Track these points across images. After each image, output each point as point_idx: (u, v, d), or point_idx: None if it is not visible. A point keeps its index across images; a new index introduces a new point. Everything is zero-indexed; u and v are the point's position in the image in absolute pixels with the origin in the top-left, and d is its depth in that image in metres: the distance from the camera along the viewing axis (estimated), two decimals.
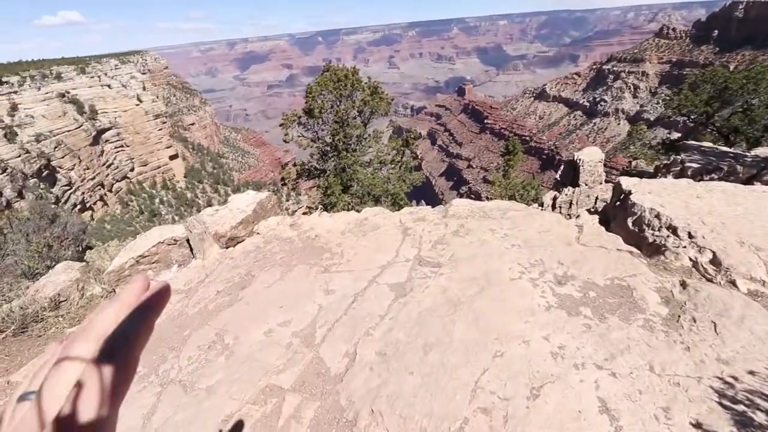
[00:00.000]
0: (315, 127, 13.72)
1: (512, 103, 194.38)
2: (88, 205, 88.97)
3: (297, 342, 3.56)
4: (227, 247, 5.64)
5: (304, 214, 16.42)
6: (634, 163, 11.34)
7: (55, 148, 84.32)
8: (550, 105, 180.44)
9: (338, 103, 12.93)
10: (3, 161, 63.50)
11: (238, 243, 5.77)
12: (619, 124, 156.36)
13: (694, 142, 8.93)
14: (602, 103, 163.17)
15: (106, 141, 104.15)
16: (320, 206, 14.53)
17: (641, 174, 9.34)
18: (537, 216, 5.47)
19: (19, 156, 70.05)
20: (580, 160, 7.28)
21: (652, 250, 5.12)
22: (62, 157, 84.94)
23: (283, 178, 14.50)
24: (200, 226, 5.26)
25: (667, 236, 5.01)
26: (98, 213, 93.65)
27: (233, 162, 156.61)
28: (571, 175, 7.78)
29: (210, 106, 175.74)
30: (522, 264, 4.41)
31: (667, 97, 22.58)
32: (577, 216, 6.60)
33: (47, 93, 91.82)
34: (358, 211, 13.39)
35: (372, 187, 13.70)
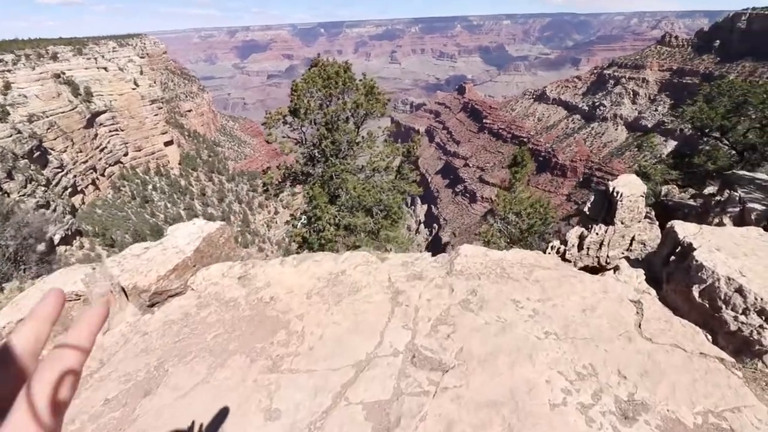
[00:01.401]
0: (301, 129, 12.17)
1: (512, 104, 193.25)
2: (79, 188, 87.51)
3: None
4: (152, 305, 4.14)
5: (287, 222, 14.87)
6: (664, 189, 9.96)
7: (48, 129, 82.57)
8: (549, 107, 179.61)
9: (327, 104, 11.36)
10: None
11: (169, 297, 4.27)
12: (616, 129, 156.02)
13: (746, 173, 7.57)
14: (601, 107, 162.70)
15: (100, 124, 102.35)
16: (303, 216, 13.04)
17: (679, 207, 7.97)
18: (575, 280, 4.03)
19: (11, 136, 67.73)
20: (617, 192, 5.83)
21: (737, 344, 3.70)
22: (54, 139, 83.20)
23: (264, 184, 12.95)
24: (104, 282, 3.73)
25: (760, 327, 3.61)
26: (89, 197, 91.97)
27: (229, 151, 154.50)
28: (605, 210, 6.36)
29: (208, 94, 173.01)
30: (565, 374, 2.96)
31: (680, 108, 21.25)
32: (616, 268, 5.17)
33: (42, 73, 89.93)
34: (347, 226, 11.93)
35: (362, 198, 12.21)
